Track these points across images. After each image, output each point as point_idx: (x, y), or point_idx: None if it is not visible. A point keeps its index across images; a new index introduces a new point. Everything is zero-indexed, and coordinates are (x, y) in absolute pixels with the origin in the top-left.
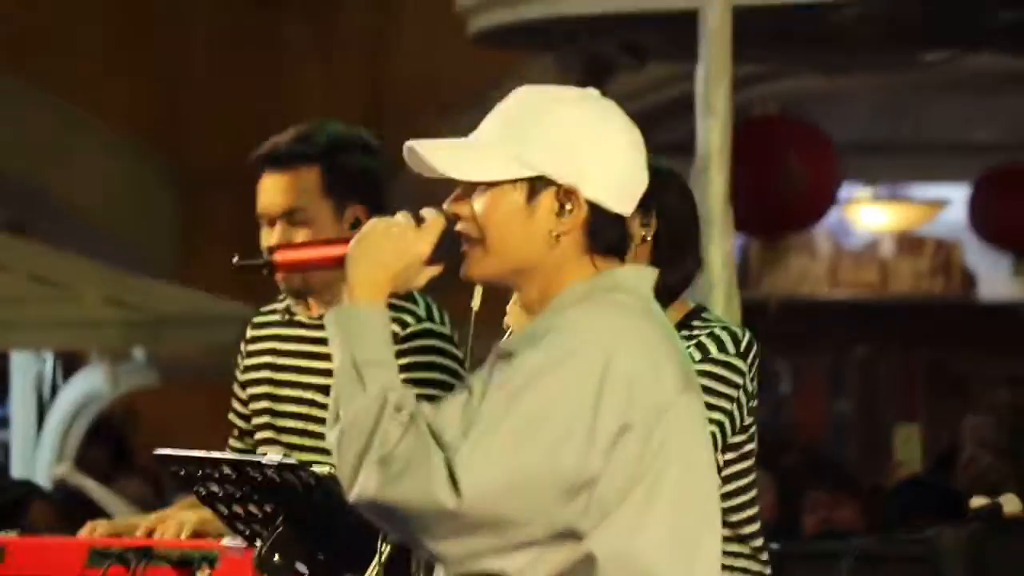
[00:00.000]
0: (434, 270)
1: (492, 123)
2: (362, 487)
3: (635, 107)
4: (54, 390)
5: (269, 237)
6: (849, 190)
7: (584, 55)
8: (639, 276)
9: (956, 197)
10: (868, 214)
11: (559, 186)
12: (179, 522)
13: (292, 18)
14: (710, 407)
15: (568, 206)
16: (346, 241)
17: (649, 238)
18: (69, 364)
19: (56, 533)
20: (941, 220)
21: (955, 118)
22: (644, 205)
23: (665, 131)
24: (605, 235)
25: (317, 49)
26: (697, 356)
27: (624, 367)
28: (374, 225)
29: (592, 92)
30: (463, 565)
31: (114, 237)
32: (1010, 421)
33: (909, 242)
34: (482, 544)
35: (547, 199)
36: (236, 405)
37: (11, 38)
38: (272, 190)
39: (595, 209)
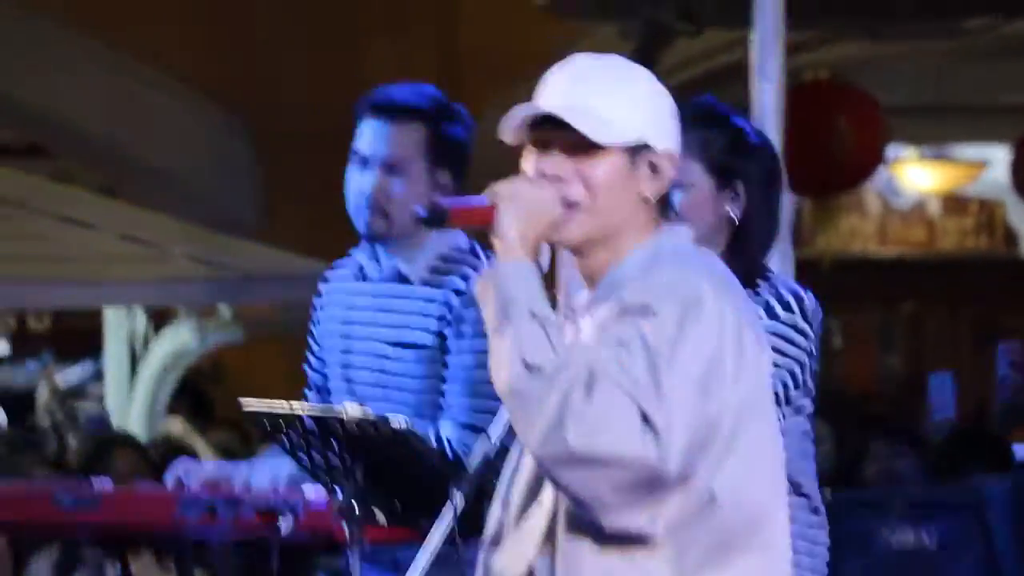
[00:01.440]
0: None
1: (574, 89)
2: (558, 439)
3: (692, 72)
4: (145, 345)
5: (361, 179)
6: (896, 151)
7: (643, 23)
8: (688, 233)
9: (998, 158)
10: (914, 174)
11: (655, 150)
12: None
13: None
14: (775, 365)
15: (660, 169)
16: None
17: (736, 215)
18: (159, 320)
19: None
20: (984, 180)
21: (995, 81)
22: (731, 180)
23: (721, 96)
24: (667, 195)
25: (389, 18)
26: (763, 315)
27: (733, 318)
28: (521, 183)
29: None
30: (616, 518)
31: (198, 198)
32: None
33: (954, 202)
34: (643, 494)
35: (643, 161)
36: (311, 358)
37: (88, 3)
38: (378, 137)
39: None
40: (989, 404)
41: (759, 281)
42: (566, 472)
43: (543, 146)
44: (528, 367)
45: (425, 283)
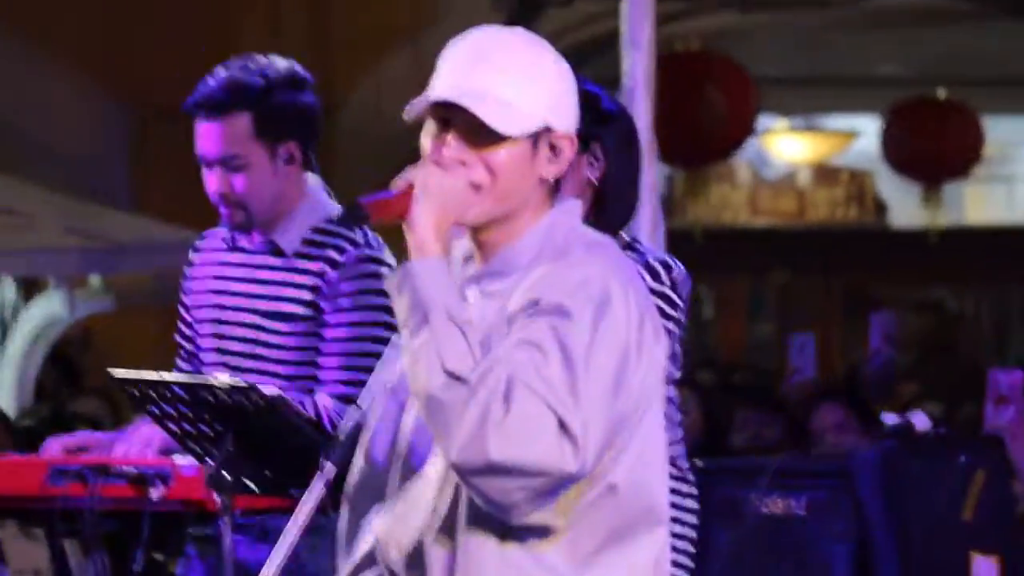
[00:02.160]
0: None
1: (479, 69)
2: (477, 450)
3: (565, 43)
4: (15, 315)
5: (211, 178)
6: (767, 122)
7: None
8: (576, 207)
9: (868, 128)
10: (785, 145)
11: (554, 132)
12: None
13: None
14: None
15: (560, 150)
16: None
17: (595, 179)
18: (29, 290)
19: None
20: (854, 150)
21: (865, 53)
22: (589, 145)
23: (593, 67)
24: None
25: None
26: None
27: (636, 312)
28: (433, 173)
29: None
30: (527, 518)
31: (70, 168)
32: (918, 342)
33: (824, 172)
34: (556, 494)
35: (543, 143)
36: (182, 327)
37: None
38: (207, 137)
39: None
40: (859, 372)
41: (627, 253)
42: (483, 480)
43: (444, 125)
44: (448, 375)
45: (299, 255)
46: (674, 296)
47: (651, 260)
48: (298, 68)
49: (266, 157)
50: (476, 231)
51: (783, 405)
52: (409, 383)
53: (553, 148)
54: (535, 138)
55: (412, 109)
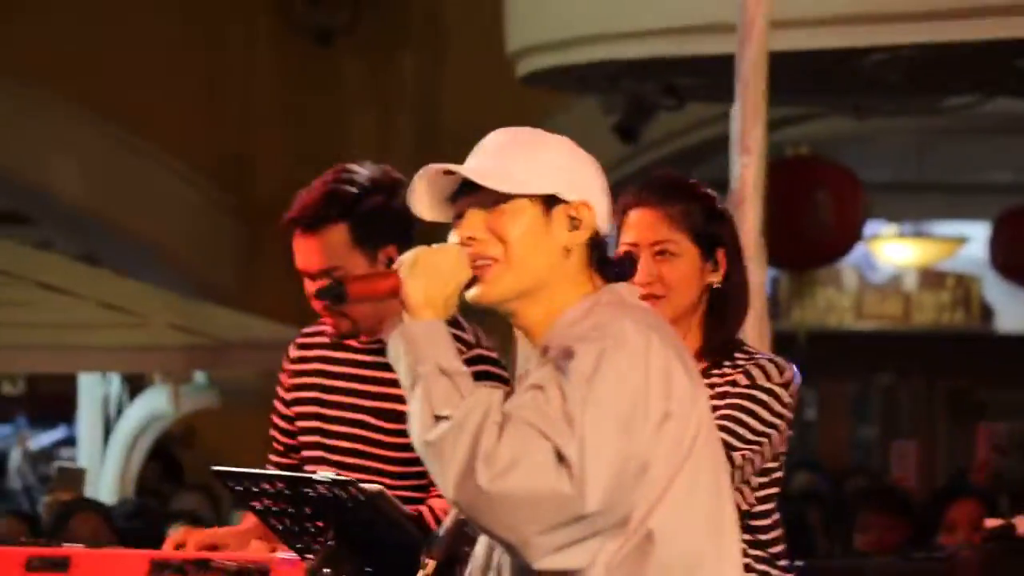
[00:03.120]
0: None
1: (484, 157)
2: (470, 484)
3: (675, 146)
4: (119, 410)
5: (310, 288)
6: (874, 227)
7: (626, 97)
8: (633, 291)
9: (976, 234)
10: (892, 249)
11: (569, 202)
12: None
13: (353, 58)
14: (752, 431)
15: (578, 220)
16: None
17: (717, 284)
18: (135, 386)
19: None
20: (961, 256)
21: (975, 159)
22: (713, 251)
23: (703, 169)
24: (602, 251)
25: (373, 90)
26: (743, 382)
27: (660, 357)
28: (422, 250)
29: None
30: (548, 559)
31: (179, 267)
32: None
33: (931, 276)
34: (572, 534)
35: (560, 214)
36: (279, 422)
37: (77, 69)
38: (306, 252)
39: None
40: (966, 477)
41: (736, 354)
42: (485, 515)
43: (459, 215)
44: (436, 418)
45: None
46: (783, 394)
47: (762, 360)
48: (390, 171)
49: (366, 264)
50: (515, 318)
51: (908, 506)
52: (412, 442)
53: (572, 219)
54: (546, 206)
55: (414, 202)
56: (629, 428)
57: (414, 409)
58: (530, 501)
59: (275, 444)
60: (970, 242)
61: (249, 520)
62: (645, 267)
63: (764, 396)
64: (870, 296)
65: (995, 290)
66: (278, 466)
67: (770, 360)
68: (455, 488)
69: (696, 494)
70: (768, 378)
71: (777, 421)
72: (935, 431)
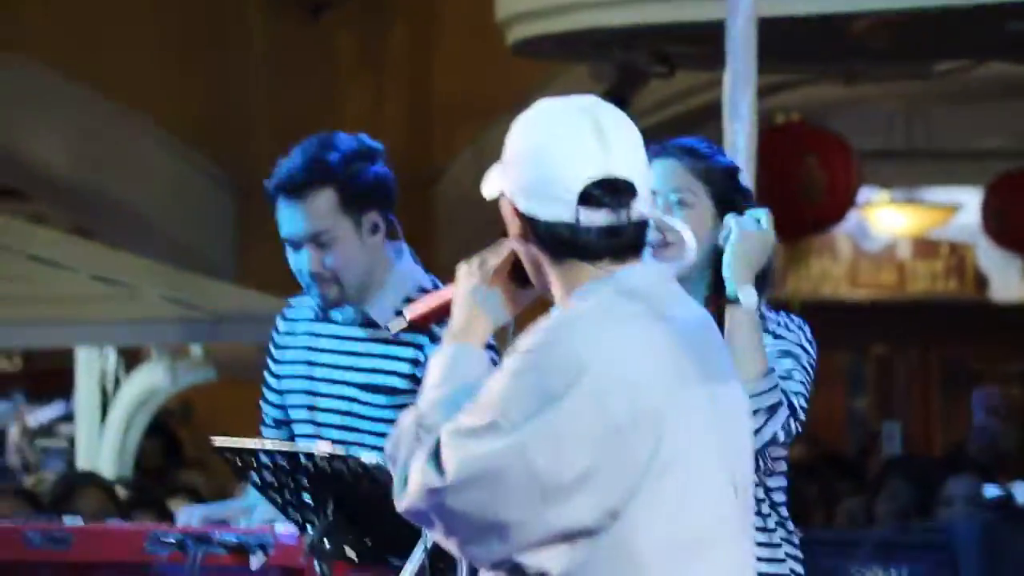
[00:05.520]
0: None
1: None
2: (398, 499)
3: (665, 114)
4: (116, 385)
5: (297, 259)
6: (867, 194)
7: (617, 65)
8: (645, 274)
9: (969, 201)
10: (885, 217)
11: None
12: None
13: (344, 30)
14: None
15: (514, 213)
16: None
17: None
18: (131, 360)
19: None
20: (954, 224)
21: (967, 125)
22: (724, 213)
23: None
24: (554, 241)
25: (365, 61)
26: (777, 335)
27: (602, 374)
28: (460, 284)
29: (585, 101)
30: (494, 567)
31: (171, 239)
32: (1020, 416)
33: (924, 245)
34: (499, 547)
35: (513, 212)
36: (269, 395)
37: (67, 41)
38: (292, 218)
39: (530, 220)
40: (964, 448)
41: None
42: (425, 526)
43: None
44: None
45: None
46: (811, 348)
47: (784, 318)
48: (367, 140)
49: (352, 230)
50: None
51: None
52: None
53: (515, 210)
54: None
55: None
56: (529, 442)
57: None
58: (417, 496)
59: (264, 416)
60: (963, 209)
61: (251, 495)
62: None
63: (808, 345)
64: (864, 265)
65: (989, 258)
66: (267, 438)
67: (789, 317)
68: (396, 501)
69: (658, 511)
70: (796, 329)
71: (810, 374)
72: (929, 401)
